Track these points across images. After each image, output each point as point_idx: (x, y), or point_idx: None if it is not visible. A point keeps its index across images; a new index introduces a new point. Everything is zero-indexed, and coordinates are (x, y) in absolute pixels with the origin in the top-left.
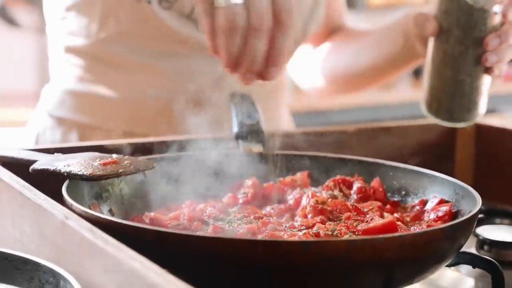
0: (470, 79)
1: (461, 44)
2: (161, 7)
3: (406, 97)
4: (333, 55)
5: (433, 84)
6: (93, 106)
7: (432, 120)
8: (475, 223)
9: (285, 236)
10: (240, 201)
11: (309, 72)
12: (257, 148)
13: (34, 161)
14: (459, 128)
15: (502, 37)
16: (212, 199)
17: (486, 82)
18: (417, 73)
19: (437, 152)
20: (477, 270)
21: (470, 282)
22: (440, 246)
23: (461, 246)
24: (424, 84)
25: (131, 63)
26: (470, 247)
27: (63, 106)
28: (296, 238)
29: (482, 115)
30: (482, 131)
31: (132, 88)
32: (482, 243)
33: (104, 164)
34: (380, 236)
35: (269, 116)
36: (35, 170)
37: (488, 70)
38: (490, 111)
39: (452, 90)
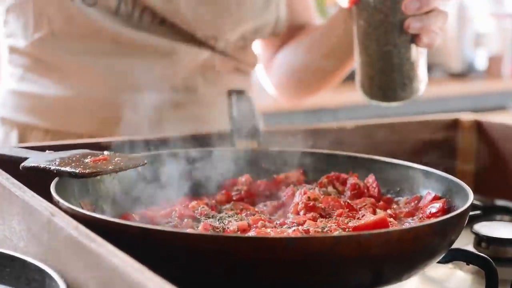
0: (397, 49)
1: (379, 11)
2: (85, 4)
3: None
4: (288, 55)
5: (361, 61)
6: (32, 105)
7: (368, 101)
8: (467, 219)
9: (274, 233)
10: (234, 198)
11: (270, 75)
12: (252, 144)
13: (25, 159)
14: (460, 123)
15: (422, 0)
16: (205, 196)
17: (418, 53)
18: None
19: (437, 148)
20: (472, 266)
21: (465, 279)
22: (429, 242)
23: (452, 243)
24: (355, 63)
25: (67, 62)
26: (467, 244)
27: (4, 106)
28: (282, 235)
29: (421, 91)
30: (483, 127)
31: (69, 87)
32: (480, 240)
33: (95, 162)
34: (366, 232)
35: (221, 116)
36: (25, 168)
37: (415, 39)
38: (498, 107)
39: (380, 64)
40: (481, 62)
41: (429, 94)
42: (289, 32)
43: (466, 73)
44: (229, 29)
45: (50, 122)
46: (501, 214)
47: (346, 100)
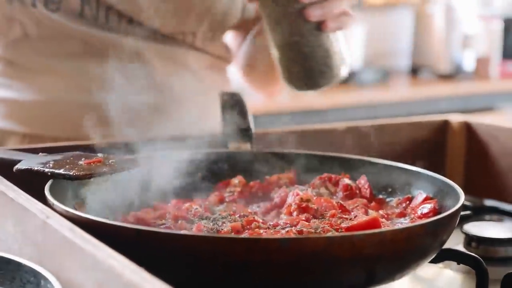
0: (306, 39)
1: (278, 4)
2: (48, 10)
3: (403, 95)
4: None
5: (276, 53)
6: (8, 111)
7: (293, 90)
8: (458, 220)
9: (268, 234)
10: (227, 199)
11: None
12: (245, 146)
13: (19, 161)
14: (449, 125)
15: None
16: (198, 198)
17: (329, 39)
18: (415, 71)
19: (427, 149)
20: (463, 266)
21: (456, 279)
22: (421, 243)
23: (444, 243)
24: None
25: (40, 65)
26: (458, 243)
27: None
28: (276, 236)
29: (342, 74)
30: (472, 128)
31: (43, 90)
32: (470, 239)
33: (89, 164)
34: (360, 232)
35: (207, 121)
36: (18, 170)
37: (321, 26)
38: (486, 108)
39: (293, 55)
40: (469, 64)
41: (417, 96)
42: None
43: (454, 74)
44: (195, 22)
45: (26, 127)
46: (490, 214)
47: (335, 102)
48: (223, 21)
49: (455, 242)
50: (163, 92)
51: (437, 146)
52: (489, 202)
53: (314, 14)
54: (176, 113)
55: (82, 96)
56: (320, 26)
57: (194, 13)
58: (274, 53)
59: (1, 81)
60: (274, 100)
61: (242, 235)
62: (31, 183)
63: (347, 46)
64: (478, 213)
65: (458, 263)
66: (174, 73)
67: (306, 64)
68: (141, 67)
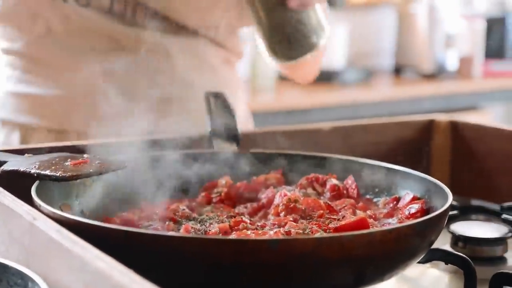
0: (272, 14)
1: None
2: (79, 5)
3: (386, 95)
4: None
5: (257, 29)
6: (33, 106)
7: (275, 61)
8: (446, 220)
9: (256, 235)
10: (214, 200)
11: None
12: (231, 147)
13: (4, 162)
14: (435, 124)
15: None
16: (186, 199)
17: (303, 13)
18: (398, 71)
19: (413, 149)
20: (452, 266)
21: (444, 279)
22: (410, 243)
23: (432, 243)
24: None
25: (64, 60)
26: (444, 243)
27: (4, 108)
28: (265, 237)
29: (317, 46)
30: (458, 128)
31: (67, 85)
32: (456, 239)
33: (75, 164)
34: (349, 233)
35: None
36: (4, 172)
37: (285, 2)
38: (469, 108)
39: (263, 28)
40: (452, 63)
41: (401, 95)
42: None
43: (437, 74)
44: (219, 16)
45: (51, 122)
46: (476, 214)
47: (318, 101)
48: (241, 17)
49: (441, 242)
50: (184, 87)
51: (423, 145)
52: (475, 202)
53: None
54: (194, 107)
55: (105, 91)
56: (284, 2)
57: (220, 6)
58: (257, 29)
59: (24, 77)
60: (256, 100)
61: (230, 236)
62: (17, 184)
63: (326, 19)
64: (465, 212)
65: (446, 263)
66: (194, 68)
67: (276, 38)
68: (164, 62)
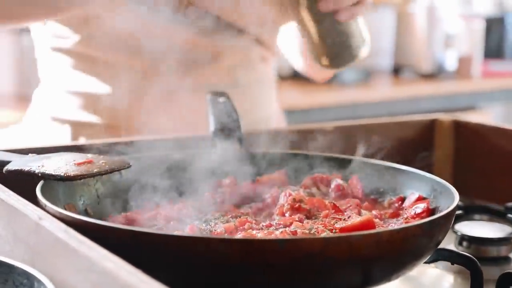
0: (319, 25)
1: None
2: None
3: (385, 95)
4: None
5: (305, 38)
6: (83, 103)
7: (322, 69)
8: (453, 219)
9: (262, 235)
10: (218, 200)
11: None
12: (234, 146)
13: (8, 162)
14: (438, 124)
15: None
16: (190, 199)
17: (348, 24)
18: (397, 71)
19: (416, 149)
20: (456, 266)
21: (449, 279)
22: (417, 243)
23: (439, 243)
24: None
25: (114, 58)
26: (449, 243)
27: (55, 105)
28: (272, 237)
29: (361, 55)
30: (460, 127)
31: (117, 83)
32: (461, 239)
33: (79, 164)
34: (357, 233)
35: (258, 108)
36: (8, 171)
37: (336, 15)
38: (469, 108)
39: (310, 37)
40: (451, 63)
41: (400, 95)
42: None
43: (436, 74)
44: (265, 14)
45: (102, 118)
46: (480, 214)
47: (317, 101)
48: (284, 12)
49: (446, 242)
50: (229, 83)
51: (426, 145)
52: (478, 202)
53: (327, 7)
54: (241, 105)
55: (154, 87)
56: (334, 14)
57: (266, 3)
58: (304, 38)
59: (75, 74)
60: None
61: (237, 236)
62: (20, 184)
63: (367, 30)
64: (469, 212)
65: (452, 263)
66: (239, 66)
67: (328, 47)
68: (211, 59)
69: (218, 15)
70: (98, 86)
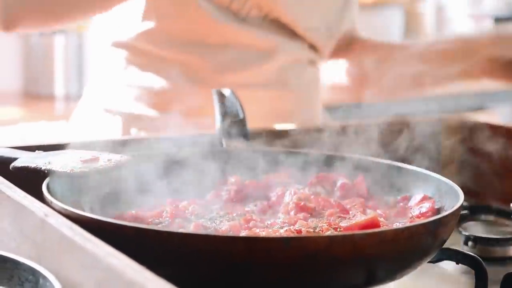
0: None
1: None
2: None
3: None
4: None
5: None
6: (136, 96)
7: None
8: (458, 219)
9: (267, 233)
10: (223, 198)
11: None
12: (240, 144)
13: (14, 159)
14: (445, 124)
15: None
16: (195, 196)
17: None
18: None
19: (423, 148)
20: (461, 266)
21: (453, 278)
22: (422, 242)
23: (444, 242)
24: None
25: (169, 54)
26: (454, 243)
27: (108, 97)
28: (277, 235)
29: None
30: (467, 127)
31: (171, 79)
32: (467, 239)
33: (85, 161)
34: (361, 231)
35: (305, 109)
36: (15, 168)
37: None
38: (477, 108)
39: None
40: None
41: (407, 95)
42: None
43: None
44: (319, 21)
45: (154, 111)
46: (486, 214)
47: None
48: (343, 20)
49: (451, 241)
50: (278, 87)
51: (432, 145)
52: (484, 202)
53: None
54: (287, 108)
55: (207, 85)
56: None
57: (321, 10)
58: None
59: (130, 68)
60: None
61: (242, 234)
62: (26, 181)
63: None
64: (474, 212)
65: (457, 263)
66: (290, 68)
67: None
68: (267, 61)
69: (277, 17)
70: (153, 80)
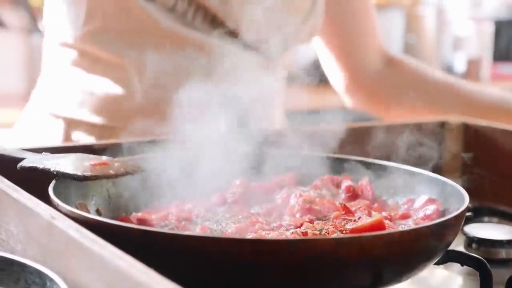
0: None
1: None
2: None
3: None
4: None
5: None
6: (81, 100)
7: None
8: (463, 221)
9: (273, 235)
10: (229, 200)
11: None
12: (244, 146)
13: (21, 159)
14: (447, 126)
15: None
16: (200, 199)
17: None
18: None
19: (424, 151)
20: (465, 268)
21: (458, 280)
22: (428, 244)
23: (449, 244)
24: None
25: (116, 57)
26: (458, 245)
27: (51, 100)
28: (283, 237)
29: None
30: (469, 129)
31: (117, 82)
32: (471, 241)
33: (94, 165)
34: (368, 234)
35: (262, 114)
36: (23, 168)
37: None
38: None
39: None
40: (460, 65)
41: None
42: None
43: None
44: (273, 32)
45: (98, 118)
46: (489, 216)
47: (325, 103)
48: (297, 36)
49: (455, 243)
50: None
51: (434, 147)
52: (487, 204)
53: None
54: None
55: (158, 91)
56: None
57: (275, 22)
58: None
59: (75, 70)
60: None
61: (251, 236)
62: (31, 183)
63: None
64: (477, 215)
65: (462, 265)
66: (241, 74)
67: None
68: (215, 67)
69: (224, 22)
70: (96, 85)
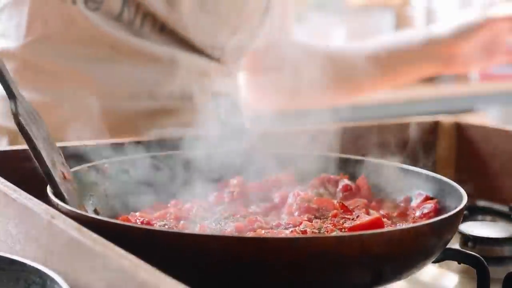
0: None
1: None
2: (87, 8)
3: (383, 97)
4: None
5: None
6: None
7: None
8: (461, 219)
9: (273, 234)
10: (226, 199)
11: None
12: (241, 146)
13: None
14: (440, 125)
15: None
16: (198, 198)
17: None
18: None
19: (418, 150)
20: (461, 266)
21: (454, 278)
22: (428, 242)
23: (448, 242)
24: None
25: (60, 67)
26: (454, 243)
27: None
28: (283, 236)
29: None
30: (462, 128)
31: (61, 94)
32: (466, 239)
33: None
34: (368, 231)
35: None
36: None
37: None
38: (466, 110)
39: None
40: None
41: (398, 98)
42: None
43: (434, 76)
44: (226, 38)
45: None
46: (483, 214)
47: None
48: (251, 42)
49: (451, 242)
50: (182, 100)
51: (428, 147)
52: (480, 203)
53: None
54: (190, 120)
55: (103, 101)
56: None
57: (228, 28)
58: None
59: (17, 80)
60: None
61: (251, 235)
62: (31, 183)
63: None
64: (472, 213)
65: (459, 263)
66: (195, 82)
67: None
68: (166, 75)
69: (174, 29)
70: (39, 95)
